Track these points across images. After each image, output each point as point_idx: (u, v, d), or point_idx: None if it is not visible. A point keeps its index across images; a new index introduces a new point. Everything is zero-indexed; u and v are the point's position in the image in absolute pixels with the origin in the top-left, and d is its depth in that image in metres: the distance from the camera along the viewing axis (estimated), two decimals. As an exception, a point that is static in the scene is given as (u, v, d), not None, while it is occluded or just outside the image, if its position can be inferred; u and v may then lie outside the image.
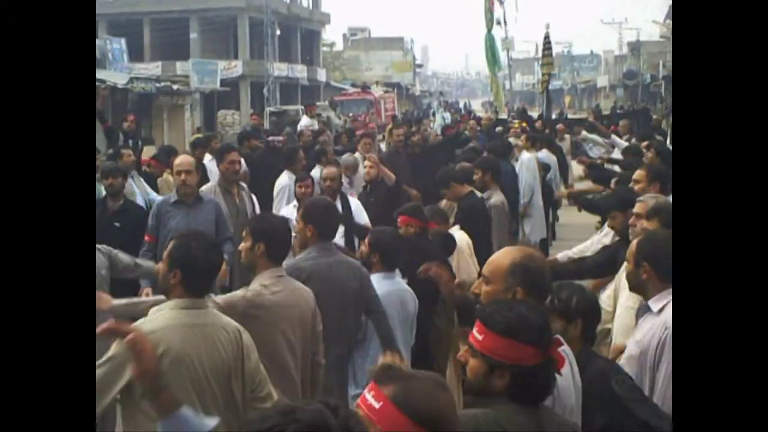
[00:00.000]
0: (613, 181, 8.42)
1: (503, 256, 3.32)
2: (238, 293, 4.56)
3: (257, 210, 8.21)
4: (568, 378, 3.06)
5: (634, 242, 4.16)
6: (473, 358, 2.71)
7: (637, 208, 5.19)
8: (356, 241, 7.50)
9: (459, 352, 2.84)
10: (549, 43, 25.41)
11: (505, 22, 30.90)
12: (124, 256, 5.87)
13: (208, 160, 11.70)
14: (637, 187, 6.35)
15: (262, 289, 4.47)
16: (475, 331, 2.71)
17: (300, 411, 1.70)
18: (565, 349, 3.05)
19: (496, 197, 8.23)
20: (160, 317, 3.78)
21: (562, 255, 6.78)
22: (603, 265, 5.61)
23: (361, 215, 8.10)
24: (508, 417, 2.60)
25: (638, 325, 4.05)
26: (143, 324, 3.72)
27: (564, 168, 15.00)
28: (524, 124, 18.33)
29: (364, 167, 9.38)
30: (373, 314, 5.10)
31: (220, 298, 4.39)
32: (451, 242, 6.45)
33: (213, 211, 7.19)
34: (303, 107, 29.12)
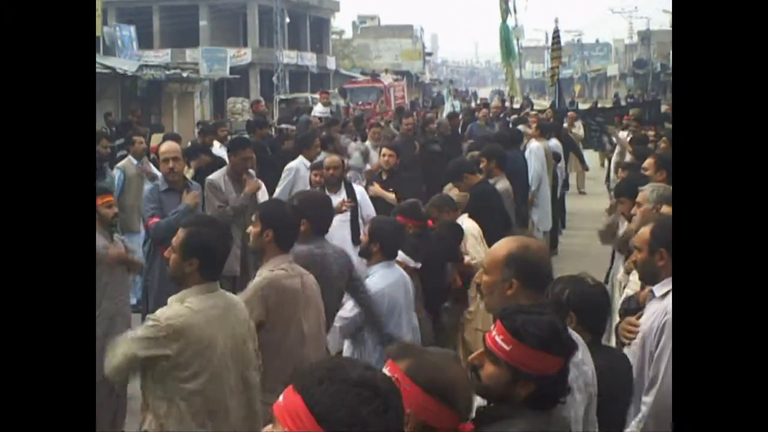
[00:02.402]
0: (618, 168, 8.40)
1: (500, 247, 3.27)
2: (256, 282, 4.57)
3: (266, 197, 8.23)
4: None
5: (646, 230, 4.10)
6: (494, 366, 2.62)
7: (639, 197, 5.23)
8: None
9: (471, 355, 2.76)
10: (558, 37, 25.45)
11: (514, 10, 30.86)
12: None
13: (217, 147, 11.74)
14: (646, 175, 6.39)
15: (276, 274, 4.53)
16: (499, 339, 2.62)
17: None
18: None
19: (502, 183, 8.28)
20: (183, 305, 3.84)
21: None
22: None
23: (366, 203, 8.14)
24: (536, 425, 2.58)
25: (644, 311, 4.07)
26: (166, 310, 3.80)
27: (569, 156, 14.94)
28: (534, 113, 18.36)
29: (382, 156, 9.38)
30: (362, 296, 5.21)
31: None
32: (459, 232, 6.47)
33: (201, 196, 7.24)
34: (316, 94, 29.14)
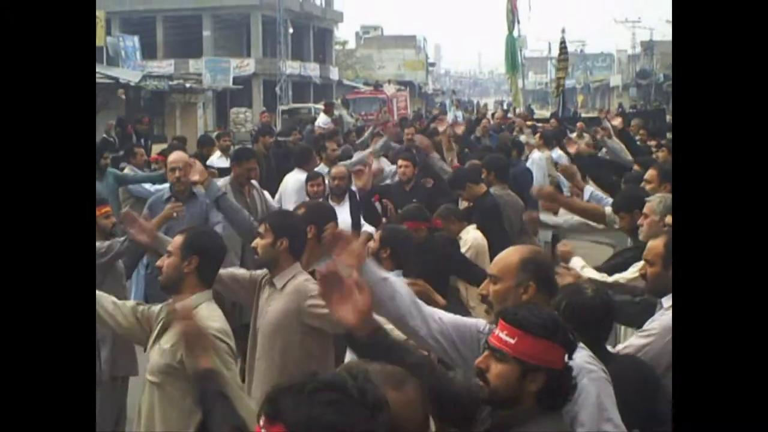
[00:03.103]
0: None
1: (512, 253, 3.30)
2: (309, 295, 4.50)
3: (269, 207, 8.22)
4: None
5: (659, 243, 4.04)
6: (501, 364, 2.61)
7: (645, 209, 5.18)
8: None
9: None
10: (565, 48, 25.48)
11: (518, 20, 30.90)
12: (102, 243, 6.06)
13: (216, 157, 11.73)
14: (648, 187, 6.32)
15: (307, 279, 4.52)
16: (503, 335, 2.62)
17: (322, 374, 1.81)
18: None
19: (506, 195, 8.20)
20: (217, 312, 3.92)
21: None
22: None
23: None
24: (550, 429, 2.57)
25: (650, 320, 4.04)
26: (211, 323, 3.78)
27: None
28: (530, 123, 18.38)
29: (399, 167, 9.25)
30: None
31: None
32: (454, 247, 6.40)
33: (204, 206, 7.21)
34: (319, 105, 29.12)
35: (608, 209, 6.79)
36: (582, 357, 3.04)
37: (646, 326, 4.01)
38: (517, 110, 28.68)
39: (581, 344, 3.11)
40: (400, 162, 9.24)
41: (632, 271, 5.02)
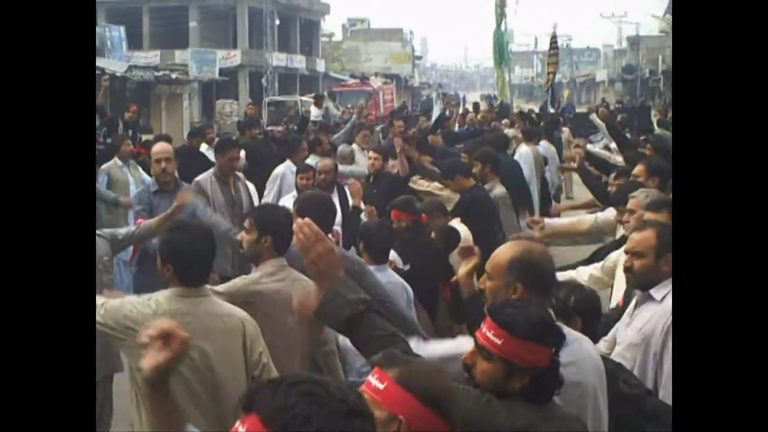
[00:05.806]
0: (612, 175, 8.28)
1: (503, 252, 3.25)
2: (237, 281, 4.56)
3: (254, 200, 8.16)
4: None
5: (650, 235, 3.98)
6: (487, 362, 2.65)
7: (631, 204, 5.15)
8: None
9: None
10: (555, 43, 25.55)
11: (504, 14, 30.95)
12: (120, 230, 6.00)
13: (204, 149, 11.66)
14: (640, 182, 6.31)
15: (260, 278, 4.47)
16: (490, 334, 2.64)
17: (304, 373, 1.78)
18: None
19: (498, 189, 8.14)
20: (152, 304, 3.77)
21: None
22: None
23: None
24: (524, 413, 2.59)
25: (636, 314, 3.99)
26: (142, 308, 3.72)
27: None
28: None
29: (369, 159, 9.29)
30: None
31: (220, 287, 4.39)
32: (455, 236, 6.38)
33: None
34: (305, 97, 29.09)
35: (590, 217, 6.84)
36: (591, 347, 3.04)
37: (635, 323, 3.96)
38: (504, 103, 28.74)
39: (586, 337, 3.11)
40: (370, 154, 9.32)
41: (597, 266, 5.07)
